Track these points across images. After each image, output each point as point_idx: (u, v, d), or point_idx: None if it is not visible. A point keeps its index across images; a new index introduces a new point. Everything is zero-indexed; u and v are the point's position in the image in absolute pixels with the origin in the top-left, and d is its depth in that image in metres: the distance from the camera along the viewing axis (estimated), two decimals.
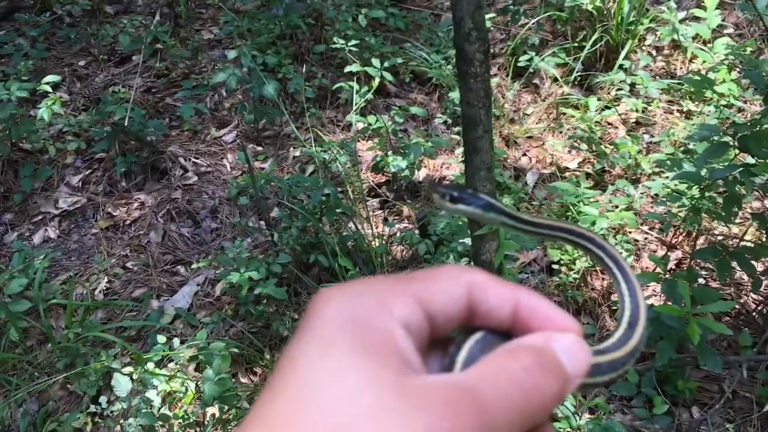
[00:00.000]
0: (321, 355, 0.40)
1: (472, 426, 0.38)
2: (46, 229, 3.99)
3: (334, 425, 0.37)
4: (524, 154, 4.05)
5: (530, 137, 4.14)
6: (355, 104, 4.00)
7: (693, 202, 2.77)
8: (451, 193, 0.69)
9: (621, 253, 0.65)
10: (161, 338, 2.89)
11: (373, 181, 3.89)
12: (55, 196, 4.14)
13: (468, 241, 2.70)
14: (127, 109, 4.15)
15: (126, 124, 4.05)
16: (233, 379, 2.83)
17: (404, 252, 3.40)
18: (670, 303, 2.55)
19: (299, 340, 0.42)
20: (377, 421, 0.37)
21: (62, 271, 3.68)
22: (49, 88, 3.97)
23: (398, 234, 3.44)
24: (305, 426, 0.37)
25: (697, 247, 3.03)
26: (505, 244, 2.02)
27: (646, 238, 3.49)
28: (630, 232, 3.40)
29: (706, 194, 2.77)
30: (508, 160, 3.95)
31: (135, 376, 2.52)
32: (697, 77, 2.70)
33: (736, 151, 2.40)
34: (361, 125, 3.95)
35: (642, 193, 3.55)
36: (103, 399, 2.60)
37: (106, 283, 3.56)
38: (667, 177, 3.48)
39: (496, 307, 0.47)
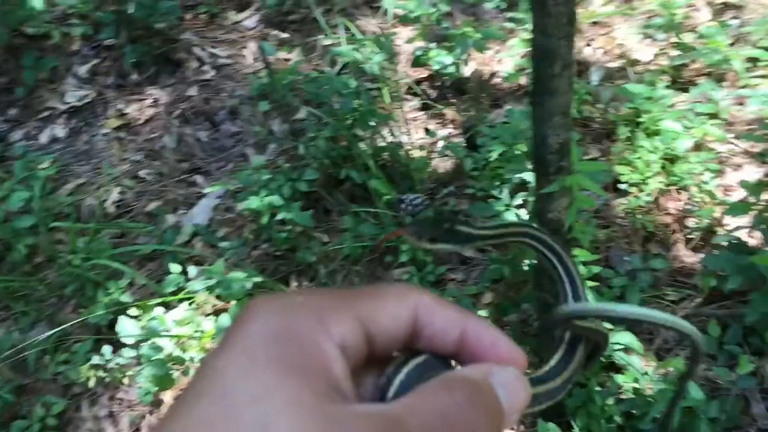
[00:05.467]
0: (243, 374, 0.37)
1: None
2: (53, 127, 3.64)
3: None
4: (588, 44, 3.49)
5: (596, 23, 3.55)
6: None
7: None
8: (426, 235, 0.71)
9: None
10: (176, 267, 2.60)
11: (412, 76, 3.40)
12: (62, 89, 3.75)
13: (525, 176, 2.26)
14: None
15: (132, 10, 3.56)
16: None
17: (447, 167, 2.98)
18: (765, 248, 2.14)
19: (223, 351, 0.38)
20: None
21: (71, 178, 3.36)
22: None
23: (441, 144, 3.00)
24: None
25: None
26: (580, 199, 1.60)
27: (730, 150, 2.99)
28: (711, 147, 2.90)
29: None
30: None
31: (142, 324, 2.24)
32: None
33: None
34: (399, 12, 3.40)
35: (727, 95, 3.01)
36: (107, 349, 2.34)
37: (118, 193, 3.24)
38: (762, 75, 2.93)
39: (442, 332, 0.45)
